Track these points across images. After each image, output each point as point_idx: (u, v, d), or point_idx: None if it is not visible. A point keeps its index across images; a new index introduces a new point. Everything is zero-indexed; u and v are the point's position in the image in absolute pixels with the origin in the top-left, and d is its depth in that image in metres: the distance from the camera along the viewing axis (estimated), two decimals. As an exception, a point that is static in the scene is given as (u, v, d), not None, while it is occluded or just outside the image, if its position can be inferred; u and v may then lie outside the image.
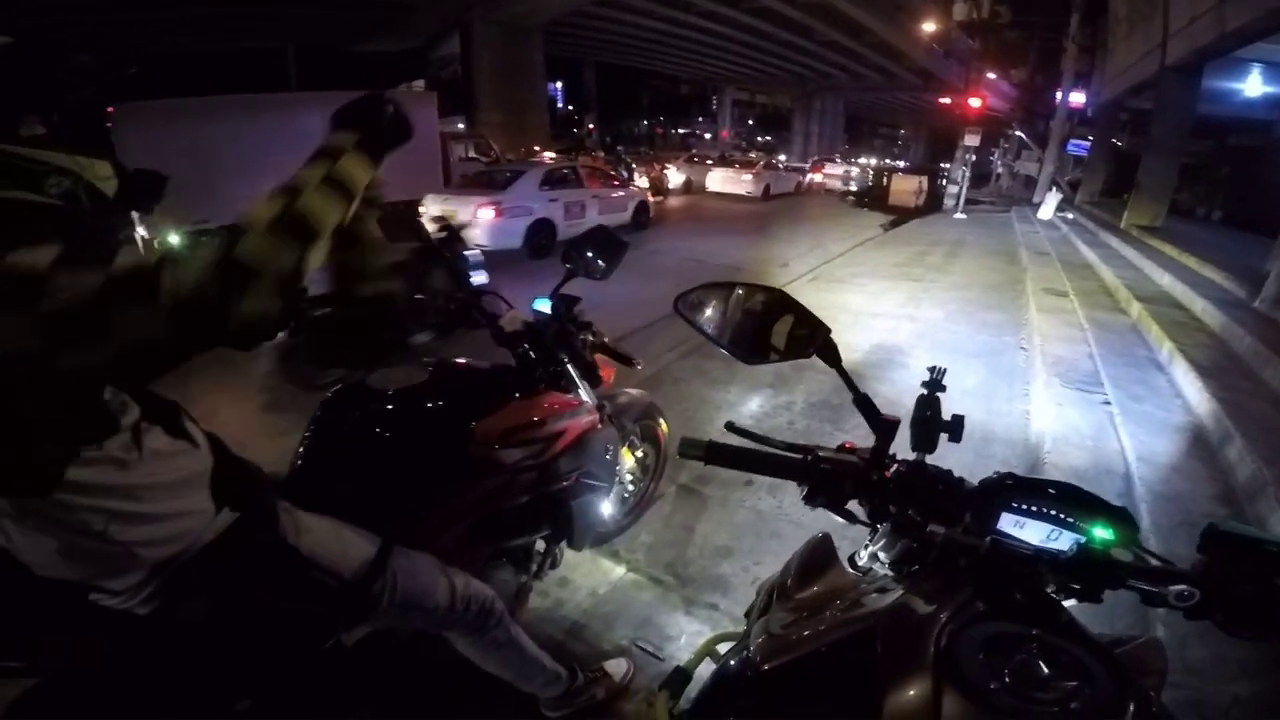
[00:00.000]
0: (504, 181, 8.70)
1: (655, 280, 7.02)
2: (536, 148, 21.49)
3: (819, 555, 0.95)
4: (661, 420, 2.37)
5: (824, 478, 0.82)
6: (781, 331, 0.93)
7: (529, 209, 8.59)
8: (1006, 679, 0.54)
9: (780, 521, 2.59)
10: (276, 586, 0.98)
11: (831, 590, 0.87)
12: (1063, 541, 0.71)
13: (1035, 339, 5.17)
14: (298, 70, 29.41)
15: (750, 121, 57.08)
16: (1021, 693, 0.53)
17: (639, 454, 2.35)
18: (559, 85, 46.15)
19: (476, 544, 1.47)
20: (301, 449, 1.31)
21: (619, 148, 29.69)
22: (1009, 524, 0.73)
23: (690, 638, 1.95)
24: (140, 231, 8.86)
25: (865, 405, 0.86)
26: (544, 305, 1.71)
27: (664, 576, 2.26)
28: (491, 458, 1.37)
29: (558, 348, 1.65)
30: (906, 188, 18.37)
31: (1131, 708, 0.52)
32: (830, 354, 0.88)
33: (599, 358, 1.81)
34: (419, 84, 27.49)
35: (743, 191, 18.04)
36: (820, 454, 0.84)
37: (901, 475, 0.82)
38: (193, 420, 0.93)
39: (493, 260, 9.17)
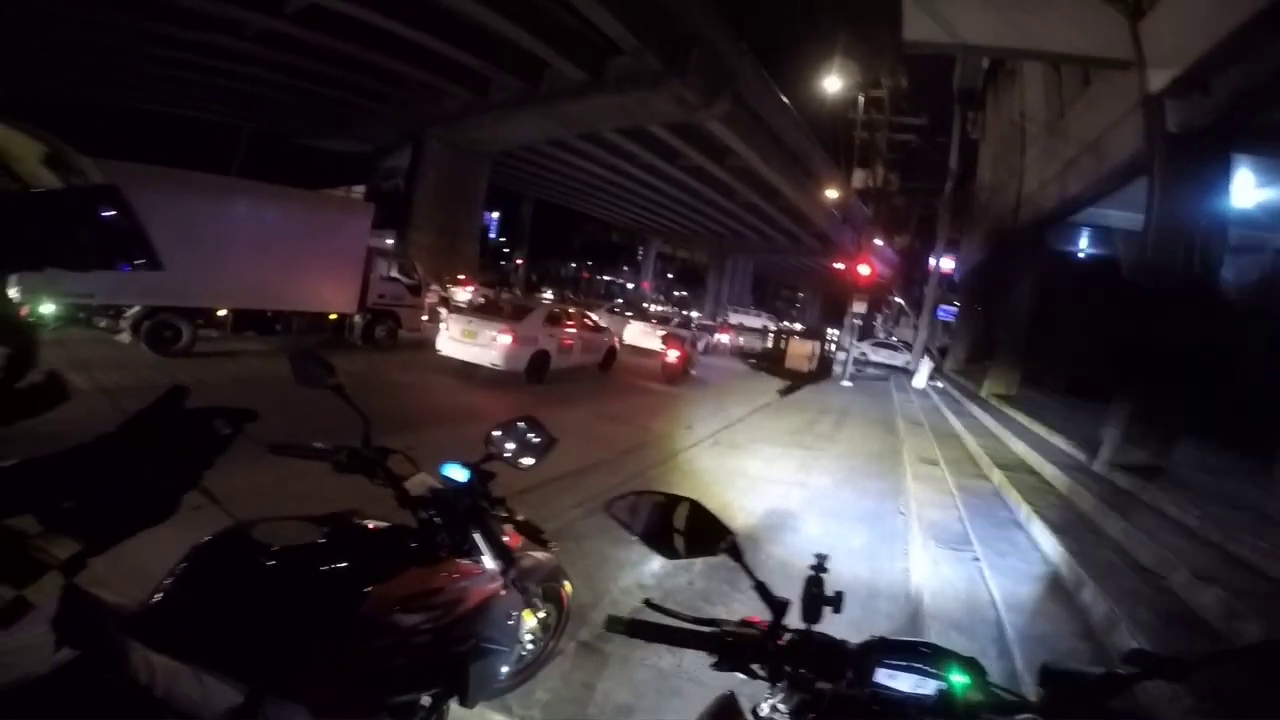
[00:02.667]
0: (516, 314, 10.20)
1: (569, 438, 7.00)
2: (461, 276, 20.93)
3: (724, 714, 1.03)
4: (566, 582, 2.33)
5: (730, 649, 0.96)
6: (695, 530, 1.09)
7: (535, 339, 9.99)
8: None
9: (681, 679, 2.56)
10: None
11: None
12: (928, 687, 0.86)
13: (912, 504, 5.65)
14: (246, 150, 28.66)
15: (670, 275, 61.04)
16: None
17: (541, 614, 2.27)
18: (495, 215, 47.45)
19: (359, 699, 1.37)
20: (164, 589, 1.20)
21: (543, 288, 29.78)
22: (884, 676, 0.87)
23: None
24: (13, 293, 7.91)
25: (761, 590, 1.01)
26: (454, 472, 1.68)
27: (561, 737, 2.13)
28: (385, 621, 1.33)
29: (470, 522, 1.63)
30: (801, 352, 18.94)
31: None
32: (734, 552, 1.05)
33: (507, 528, 1.79)
34: (359, 189, 27.31)
35: (656, 348, 17.01)
36: (726, 629, 0.98)
37: (794, 643, 0.96)
38: (41, 547, 0.83)
39: (497, 380, 9.42)
